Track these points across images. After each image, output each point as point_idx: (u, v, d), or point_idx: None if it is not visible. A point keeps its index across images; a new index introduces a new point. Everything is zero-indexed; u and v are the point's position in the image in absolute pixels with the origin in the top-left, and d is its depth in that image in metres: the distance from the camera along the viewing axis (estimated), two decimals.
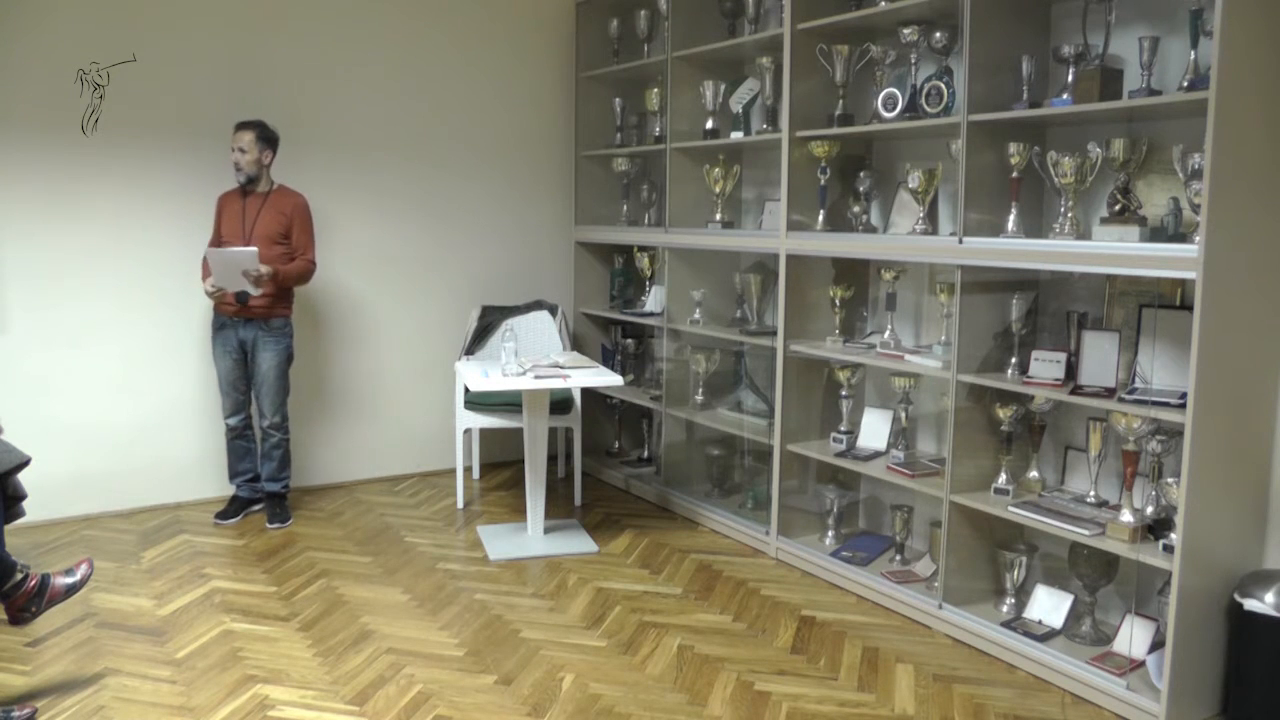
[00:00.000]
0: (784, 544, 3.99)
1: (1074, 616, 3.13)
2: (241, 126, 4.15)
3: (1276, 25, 2.63)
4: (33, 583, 2.80)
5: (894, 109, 3.55)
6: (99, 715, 2.73)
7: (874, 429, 3.86)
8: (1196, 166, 2.66)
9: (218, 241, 4.25)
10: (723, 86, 4.43)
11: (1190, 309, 2.62)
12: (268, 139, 4.18)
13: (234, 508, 4.44)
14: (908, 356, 3.57)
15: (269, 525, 4.34)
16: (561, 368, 4.04)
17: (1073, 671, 2.93)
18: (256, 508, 4.51)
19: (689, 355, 4.65)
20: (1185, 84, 2.78)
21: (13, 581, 2.77)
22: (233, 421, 4.35)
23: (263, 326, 4.23)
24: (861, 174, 3.87)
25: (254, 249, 4.03)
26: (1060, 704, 2.87)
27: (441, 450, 5.14)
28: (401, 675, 2.98)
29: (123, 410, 4.44)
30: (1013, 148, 3.15)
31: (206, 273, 4.19)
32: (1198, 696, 2.76)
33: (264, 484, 4.45)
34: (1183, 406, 2.64)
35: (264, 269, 4.03)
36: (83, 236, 4.29)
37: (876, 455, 3.77)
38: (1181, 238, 2.80)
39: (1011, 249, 3.10)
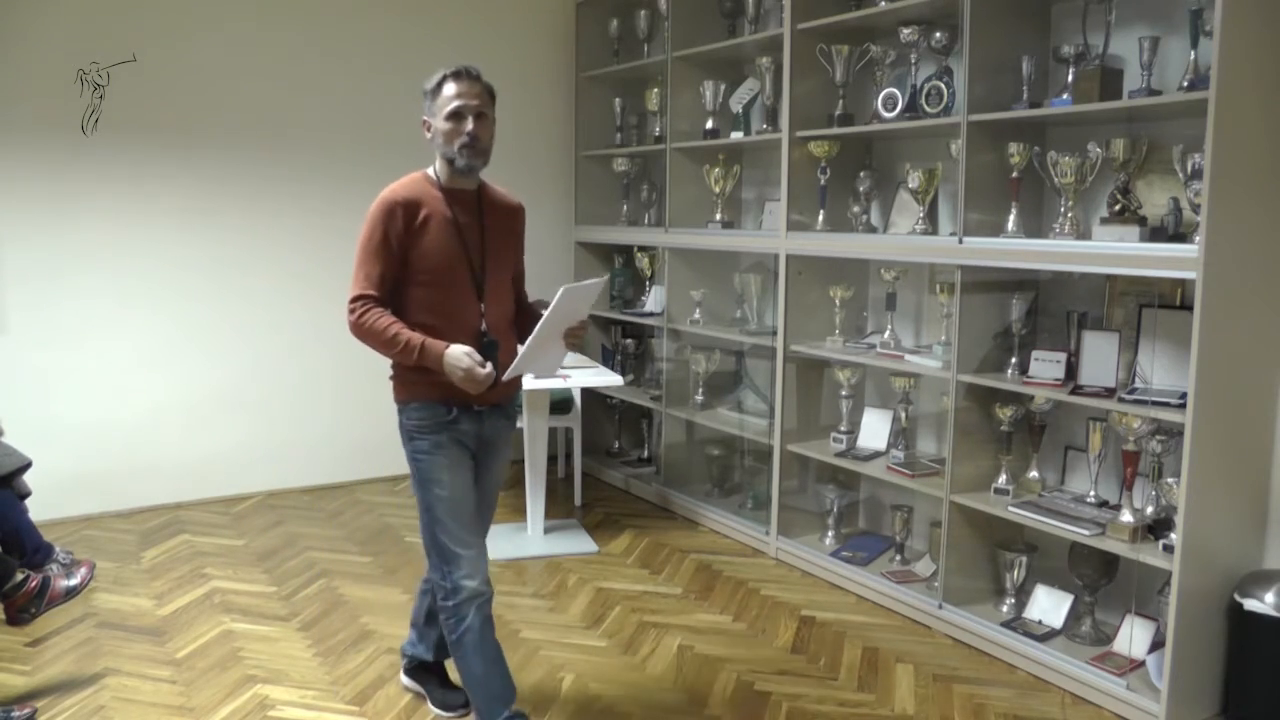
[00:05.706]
0: (784, 544, 3.99)
1: (1074, 616, 3.13)
2: (471, 76, 2.55)
3: (1276, 25, 2.63)
4: (34, 583, 2.81)
5: (894, 109, 3.55)
6: (99, 715, 2.73)
7: (874, 429, 3.86)
8: (1196, 166, 2.66)
9: (390, 295, 2.50)
10: (723, 86, 4.42)
11: (1190, 309, 2.62)
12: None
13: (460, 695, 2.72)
14: (908, 356, 3.57)
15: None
16: (561, 367, 4.04)
17: (1073, 671, 2.92)
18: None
19: (689, 355, 4.65)
20: (1185, 84, 2.78)
21: (14, 582, 2.78)
22: (487, 587, 2.47)
23: (505, 414, 2.65)
24: (861, 174, 3.87)
25: (602, 278, 2.67)
26: (1060, 704, 2.87)
27: None
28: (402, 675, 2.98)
29: (123, 410, 4.43)
30: (1013, 148, 3.15)
31: (417, 360, 2.37)
32: (1198, 696, 2.76)
33: (434, 650, 2.80)
34: (1183, 406, 2.64)
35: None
36: (83, 236, 4.29)
37: (876, 455, 3.77)
38: (1181, 238, 2.80)
39: (1011, 249, 3.10)
